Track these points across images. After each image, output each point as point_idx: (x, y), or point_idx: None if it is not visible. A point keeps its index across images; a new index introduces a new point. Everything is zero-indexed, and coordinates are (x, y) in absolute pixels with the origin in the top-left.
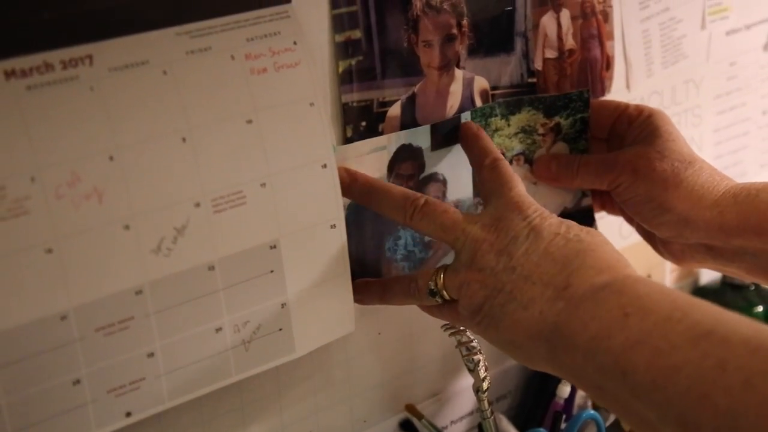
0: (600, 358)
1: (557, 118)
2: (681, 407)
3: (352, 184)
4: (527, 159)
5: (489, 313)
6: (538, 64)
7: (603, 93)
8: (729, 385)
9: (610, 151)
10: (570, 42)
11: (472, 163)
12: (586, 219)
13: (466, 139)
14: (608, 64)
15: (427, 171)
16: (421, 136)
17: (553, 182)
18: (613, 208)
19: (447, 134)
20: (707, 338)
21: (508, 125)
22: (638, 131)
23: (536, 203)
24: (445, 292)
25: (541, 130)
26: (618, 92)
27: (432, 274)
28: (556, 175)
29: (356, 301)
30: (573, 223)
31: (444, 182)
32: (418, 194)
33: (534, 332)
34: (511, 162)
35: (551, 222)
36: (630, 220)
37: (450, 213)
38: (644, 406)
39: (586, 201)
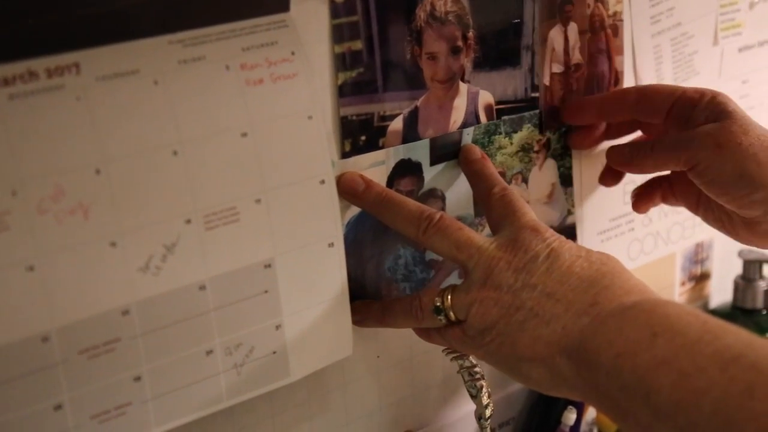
0: (624, 377)
1: (548, 134)
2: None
3: (365, 192)
4: (524, 178)
5: (504, 331)
6: (545, 79)
7: None
8: (757, 412)
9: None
10: (576, 56)
11: (476, 191)
12: (569, 237)
13: (470, 164)
14: (617, 79)
15: (426, 187)
16: (420, 151)
17: (627, 167)
18: (675, 197)
19: (446, 149)
20: (736, 363)
21: (511, 143)
22: (707, 112)
23: (552, 230)
24: (452, 313)
25: (536, 147)
26: None
27: (438, 293)
28: (630, 158)
29: (355, 323)
30: (591, 249)
31: (443, 198)
32: (434, 210)
33: (556, 348)
34: (510, 182)
35: (570, 245)
36: (695, 208)
37: (465, 231)
38: (667, 430)
39: (570, 219)
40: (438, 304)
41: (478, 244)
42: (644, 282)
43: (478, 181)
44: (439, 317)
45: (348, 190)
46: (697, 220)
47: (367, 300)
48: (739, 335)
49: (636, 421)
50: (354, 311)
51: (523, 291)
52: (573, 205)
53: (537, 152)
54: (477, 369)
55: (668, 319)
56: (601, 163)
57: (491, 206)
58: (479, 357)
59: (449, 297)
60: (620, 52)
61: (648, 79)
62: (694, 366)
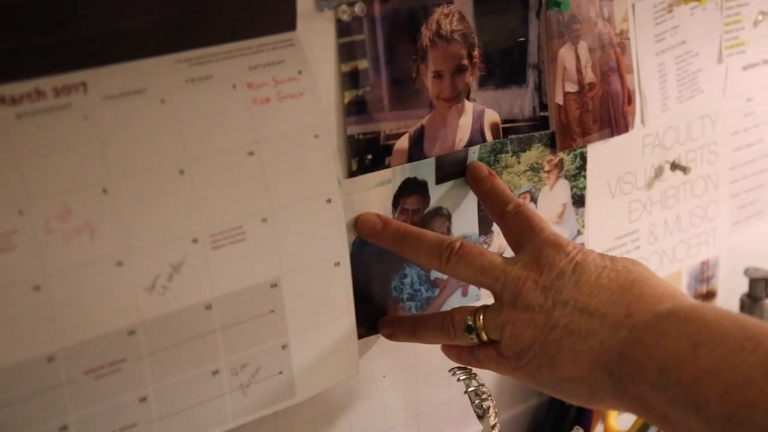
0: (671, 391)
1: (561, 154)
2: None
3: (384, 230)
4: (533, 197)
5: (541, 352)
6: (558, 98)
7: (627, 129)
8: None
9: None
10: (590, 75)
11: (489, 209)
12: None
13: (480, 182)
14: (629, 98)
15: (432, 205)
16: (426, 170)
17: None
18: None
19: (452, 168)
20: None
21: (519, 162)
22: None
23: (572, 241)
24: (483, 333)
25: (546, 167)
26: (633, 127)
27: (470, 311)
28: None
29: (386, 336)
30: (615, 255)
31: (449, 217)
32: (453, 238)
33: (596, 364)
34: None
35: (594, 256)
36: None
37: (487, 255)
38: None
39: (579, 238)
40: (470, 323)
41: (502, 267)
42: (673, 285)
43: (491, 200)
44: (470, 336)
45: (367, 230)
46: (703, 238)
47: (399, 314)
48: None
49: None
50: (385, 324)
51: (555, 309)
52: (583, 226)
53: (548, 172)
54: (484, 389)
55: (707, 327)
56: (607, 181)
57: (508, 224)
58: (517, 378)
59: (482, 318)
60: (630, 70)
61: (652, 97)
62: (740, 377)
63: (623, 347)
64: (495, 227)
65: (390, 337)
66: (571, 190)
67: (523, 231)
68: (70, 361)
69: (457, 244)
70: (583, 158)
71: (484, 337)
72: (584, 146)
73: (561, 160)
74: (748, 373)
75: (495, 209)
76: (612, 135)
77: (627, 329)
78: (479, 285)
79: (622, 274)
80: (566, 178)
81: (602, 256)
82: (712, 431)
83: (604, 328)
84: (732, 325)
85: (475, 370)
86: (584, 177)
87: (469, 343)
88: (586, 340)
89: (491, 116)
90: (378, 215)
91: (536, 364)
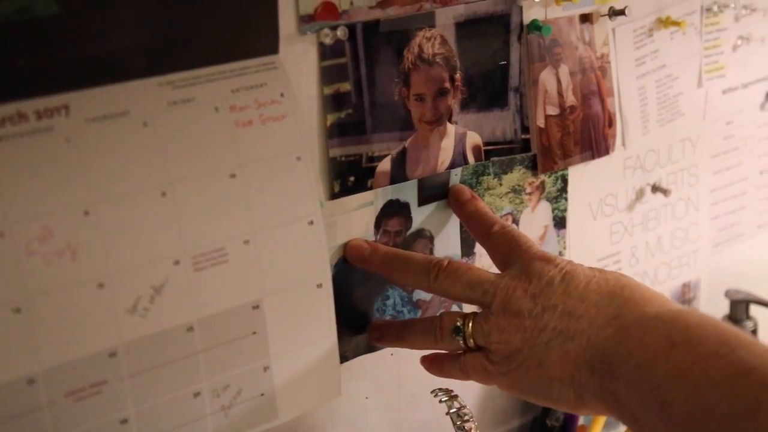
0: (641, 388)
1: (542, 176)
2: None
3: (372, 255)
4: (514, 219)
5: (529, 355)
6: (540, 121)
7: (607, 151)
8: (761, 429)
9: None
10: (571, 98)
11: (474, 232)
12: None
13: (463, 206)
14: (610, 121)
15: (414, 227)
16: (408, 192)
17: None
18: None
19: (434, 190)
20: (747, 377)
21: (500, 184)
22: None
23: (560, 256)
24: (471, 339)
25: (528, 189)
26: (614, 150)
27: (459, 315)
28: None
29: (373, 340)
30: (602, 268)
31: (431, 239)
32: (441, 257)
33: (581, 362)
34: None
35: (583, 267)
36: None
37: (475, 270)
38: None
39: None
40: (459, 324)
41: (491, 279)
42: (662, 294)
43: (475, 222)
44: (457, 338)
45: (355, 255)
46: (684, 259)
47: (386, 320)
48: (755, 349)
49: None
50: (373, 329)
51: (544, 314)
52: (565, 247)
53: (529, 194)
54: (466, 410)
55: (687, 329)
56: (589, 203)
57: (494, 245)
58: (503, 385)
59: (470, 324)
60: (611, 93)
61: (633, 120)
62: (706, 379)
63: (607, 345)
64: (477, 248)
65: (378, 341)
66: (553, 212)
67: (510, 250)
68: (50, 383)
69: (445, 262)
70: (564, 180)
71: (471, 342)
72: (565, 168)
73: (542, 182)
74: (714, 376)
75: (479, 231)
76: (593, 157)
77: (613, 328)
78: (468, 300)
79: (611, 282)
80: (548, 200)
81: (591, 267)
82: (673, 431)
83: (592, 328)
84: (712, 330)
85: (456, 391)
86: (565, 199)
87: (455, 347)
88: (574, 339)
89: (473, 139)
90: (366, 241)
91: (525, 367)
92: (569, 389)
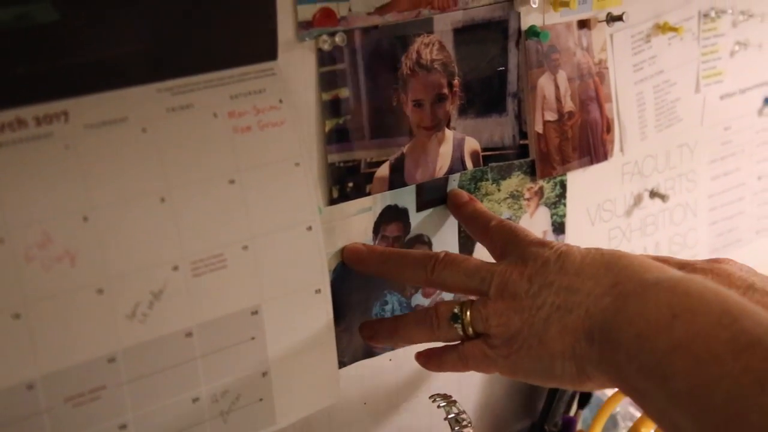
0: (642, 359)
1: (541, 182)
2: (716, 421)
3: (369, 255)
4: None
5: (529, 333)
6: (538, 127)
7: (606, 157)
8: (766, 405)
9: None
10: (569, 104)
11: (473, 231)
12: None
13: (461, 208)
14: (608, 126)
15: (413, 232)
16: (406, 197)
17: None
18: None
19: (433, 195)
20: (751, 350)
21: (499, 190)
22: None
23: (556, 241)
24: (470, 328)
25: (526, 195)
26: (612, 155)
27: (456, 303)
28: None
29: (366, 338)
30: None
31: (429, 244)
32: (437, 251)
33: (581, 332)
34: None
35: (579, 247)
36: None
37: (472, 260)
38: (681, 416)
39: None
40: (456, 311)
41: (488, 267)
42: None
43: (473, 222)
44: (456, 325)
45: (352, 258)
46: None
47: (379, 318)
48: (758, 318)
49: (653, 405)
50: (366, 327)
51: (542, 292)
52: None
53: (528, 200)
54: (464, 416)
55: (689, 298)
56: (587, 209)
57: (492, 237)
58: (505, 369)
59: (468, 311)
60: (609, 99)
61: (631, 125)
62: (709, 352)
63: (606, 314)
64: (476, 252)
65: (371, 339)
66: (552, 217)
67: (507, 241)
68: (49, 388)
69: (442, 254)
70: (563, 186)
71: (470, 330)
72: (564, 174)
73: (541, 188)
74: (717, 349)
75: (478, 229)
76: (591, 163)
77: (612, 297)
78: (466, 290)
79: (607, 254)
80: (546, 205)
81: (587, 247)
82: (674, 404)
83: (590, 298)
84: (713, 299)
85: (455, 397)
86: (564, 205)
87: (453, 336)
88: (572, 312)
89: (471, 144)
90: (363, 244)
91: (526, 347)
92: (571, 363)
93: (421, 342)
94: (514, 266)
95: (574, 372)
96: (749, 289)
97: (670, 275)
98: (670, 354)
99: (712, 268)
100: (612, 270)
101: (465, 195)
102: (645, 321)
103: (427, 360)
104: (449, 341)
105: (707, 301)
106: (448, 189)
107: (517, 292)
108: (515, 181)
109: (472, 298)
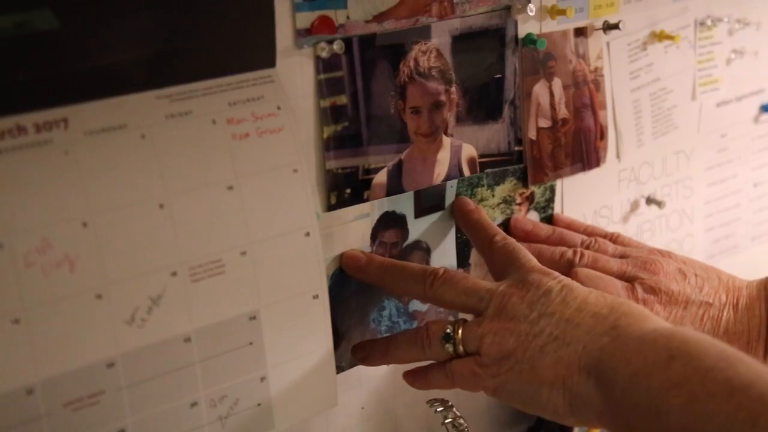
0: (638, 396)
1: (532, 187)
2: None
3: (368, 265)
4: (504, 229)
5: (523, 358)
6: (531, 134)
7: (598, 163)
8: None
9: None
10: (563, 111)
11: (476, 240)
12: None
13: (467, 215)
14: (602, 133)
15: (411, 239)
16: (404, 204)
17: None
18: None
19: (430, 202)
20: (744, 391)
21: (493, 196)
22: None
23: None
24: (461, 346)
25: (518, 200)
26: (608, 162)
27: (448, 322)
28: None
29: (359, 360)
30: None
31: (427, 250)
32: (436, 267)
33: (575, 367)
34: None
35: (580, 285)
36: None
37: (471, 278)
38: None
39: None
40: (449, 331)
41: (487, 287)
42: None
43: (478, 231)
44: (447, 345)
45: (351, 266)
46: None
47: (371, 339)
48: (752, 366)
49: None
50: (358, 349)
51: (541, 320)
52: None
53: (519, 204)
54: (461, 421)
55: (686, 344)
56: (584, 215)
57: (494, 254)
58: (491, 389)
59: (460, 330)
60: (603, 106)
61: (628, 133)
62: (704, 391)
63: (603, 353)
64: (473, 260)
65: (364, 360)
66: (541, 221)
67: (509, 261)
68: (49, 393)
69: (441, 270)
70: (552, 191)
71: (461, 349)
72: (554, 180)
73: (532, 193)
74: (712, 389)
75: (481, 240)
76: (584, 169)
77: (611, 337)
78: (463, 307)
79: (610, 299)
80: (536, 209)
81: (590, 288)
82: None
83: (589, 336)
84: (710, 347)
85: (452, 401)
86: (552, 209)
87: (443, 355)
88: (570, 345)
89: (468, 151)
90: (362, 251)
91: (516, 370)
92: (559, 395)
93: (413, 362)
94: (515, 289)
95: (561, 404)
96: (688, 303)
97: (669, 325)
98: (666, 392)
99: (655, 284)
100: (614, 312)
101: (472, 203)
102: (642, 360)
103: (414, 379)
104: (439, 360)
105: (704, 348)
106: (446, 196)
107: (515, 315)
108: (509, 186)
109: (466, 316)
